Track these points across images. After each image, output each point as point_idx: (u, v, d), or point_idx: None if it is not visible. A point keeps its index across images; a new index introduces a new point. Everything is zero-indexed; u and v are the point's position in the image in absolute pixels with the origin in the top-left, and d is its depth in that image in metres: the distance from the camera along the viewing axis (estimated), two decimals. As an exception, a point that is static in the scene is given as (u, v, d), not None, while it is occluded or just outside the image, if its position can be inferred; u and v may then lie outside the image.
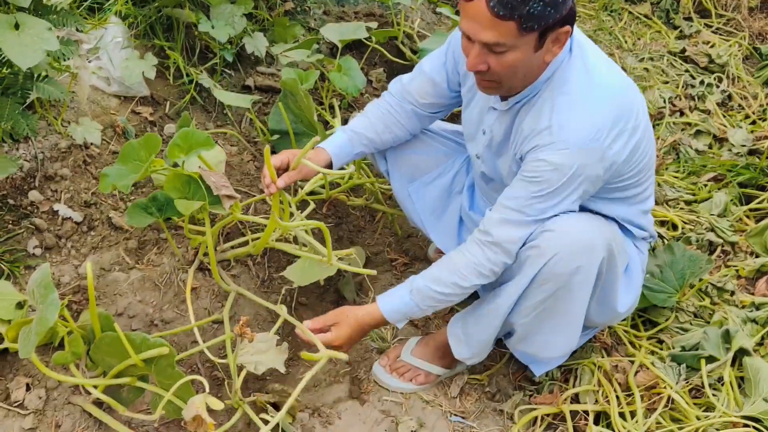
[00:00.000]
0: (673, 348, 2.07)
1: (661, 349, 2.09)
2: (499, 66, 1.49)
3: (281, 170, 1.80)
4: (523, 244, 1.64)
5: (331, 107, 2.58)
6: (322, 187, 2.21)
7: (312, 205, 2.09)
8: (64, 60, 1.93)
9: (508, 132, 1.69)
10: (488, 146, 1.76)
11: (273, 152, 2.39)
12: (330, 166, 1.87)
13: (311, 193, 2.20)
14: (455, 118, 2.81)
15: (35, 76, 1.83)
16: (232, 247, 2.01)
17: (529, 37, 1.44)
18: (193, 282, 1.87)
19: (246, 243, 1.99)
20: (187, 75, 2.39)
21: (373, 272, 1.92)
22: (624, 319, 2.14)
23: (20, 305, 1.59)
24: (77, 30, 1.86)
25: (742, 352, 1.99)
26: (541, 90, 1.60)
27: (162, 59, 2.36)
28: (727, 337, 2.00)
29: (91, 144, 2.07)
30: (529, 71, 1.55)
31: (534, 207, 1.58)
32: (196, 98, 2.39)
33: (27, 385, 1.63)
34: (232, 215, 1.81)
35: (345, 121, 2.60)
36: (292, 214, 1.90)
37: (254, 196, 2.22)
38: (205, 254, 1.91)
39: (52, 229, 1.91)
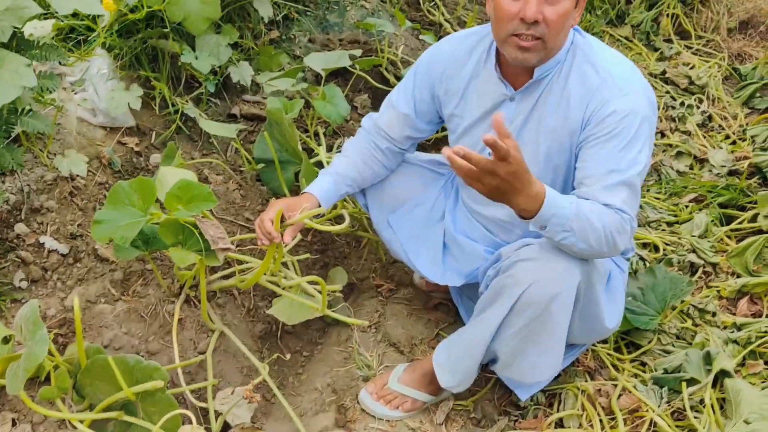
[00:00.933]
0: (656, 370, 2.09)
1: (644, 372, 2.11)
2: (555, 14, 1.54)
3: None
4: (497, 273, 1.67)
5: (316, 134, 2.61)
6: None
7: (298, 236, 2.11)
8: (49, 93, 1.95)
9: (531, 113, 1.71)
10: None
11: (258, 180, 2.44)
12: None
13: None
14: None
15: (19, 110, 1.85)
16: (222, 278, 2.02)
17: None
18: (179, 313, 1.88)
19: (233, 273, 2.01)
20: (173, 105, 2.41)
21: (365, 323, 1.95)
22: (606, 342, 2.17)
23: (6, 340, 1.59)
24: (60, 63, 1.89)
25: (723, 374, 2.01)
26: (565, 59, 1.67)
27: (147, 89, 2.38)
28: (708, 359, 2.03)
29: (77, 176, 2.09)
30: (566, 31, 1.62)
31: (625, 159, 1.57)
32: (182, 128, 2.41)
33: (13, 420, 1.63)
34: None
35: (330, 148, 2.64)
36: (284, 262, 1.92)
37: (239, 224, 2.24)
38: (191, 287, 1.93)
39: (38, 261, 1.92)
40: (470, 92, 1.81)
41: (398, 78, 2.98)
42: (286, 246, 1.77)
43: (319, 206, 1.87)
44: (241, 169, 2.45)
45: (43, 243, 1.95)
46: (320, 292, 1.88)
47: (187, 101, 2.46)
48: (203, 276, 1.78)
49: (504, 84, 1.73)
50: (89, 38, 2.37)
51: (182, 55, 2.37)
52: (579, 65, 1.65)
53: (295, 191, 2.39)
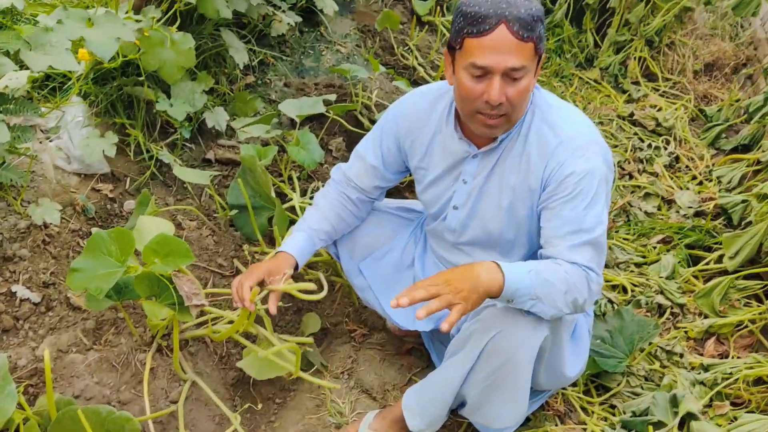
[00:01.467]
0: (625, 413, 2.12)
1: (614, 415, 2.14)
2: (516, 93, 1.56)
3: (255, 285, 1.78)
4: (467, 318, 1.69)
5: (290, 179, 2.64)
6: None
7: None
8: (23, 142, 1.97)
9: (493, 170, 1.75)
10: (469, 194, 1.80)
11: (231, 226, 2.46)
12: (296, 268, 1.88)
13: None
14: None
15: (-8, 162, 1.87)
16: (195, 326, 2.03)
17: (535, 60, 1.57)
18: (151, 362, 1.88)
19: (205, 322, 2.01)
20: (148, 151, 2.44)
21: (336, 386, 1.97)
22: (576, 385, 2.20)
23: (-26, 393, 1.59)
24: (35, 114, 1.91)
25: (689, 416, 2.04)
26: (524, 120, 1.69)
27: (123, 136, 2.41)
28: (674, 401, 2.06)
29: (51, 223, 2.10)
30: (528, 101, 1.65)
31: (587, 218, 1.61)
32: (156, 174, 2.44)
33: (-20, 474, 1.61)
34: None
35: (304, 192, 2.67)
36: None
37: (212, 270, 2.26)
38: (163, 337, 1.93)
39: (9, 310, 1.92)
40: (434, 147, 1.84)
41: (372, 122, 3.03)
42: (271, 315, 1.77)
43: (296, 266, 1.87)
44: (215, 214, 2.47)
45: (15, 292, 1.95)
46: (296, 347, 1.88)
47: (161, 147, 2.48)
48: (176, 329, 1.79)
49: (466, 143, 1.77)
50: (65, 86, 2.40)
51: (157, 102, 2.40)
52: (537, 126, 1.68)
53: (269, 236, 2.42)
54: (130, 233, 1.72)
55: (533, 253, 1.83)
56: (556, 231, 1.64)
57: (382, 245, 2.08)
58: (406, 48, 3.74)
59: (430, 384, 1.86)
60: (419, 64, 3.64)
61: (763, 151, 3.14)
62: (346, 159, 3.01)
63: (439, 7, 4.09)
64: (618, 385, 2.24)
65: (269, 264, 1.83)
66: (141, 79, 2.38)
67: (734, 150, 3.60)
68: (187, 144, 2.63)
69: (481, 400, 1.77)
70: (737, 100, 3.89)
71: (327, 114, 2.80)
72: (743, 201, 2.97)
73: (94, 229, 2.20)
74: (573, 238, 1.61)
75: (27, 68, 1.89)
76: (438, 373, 1.85)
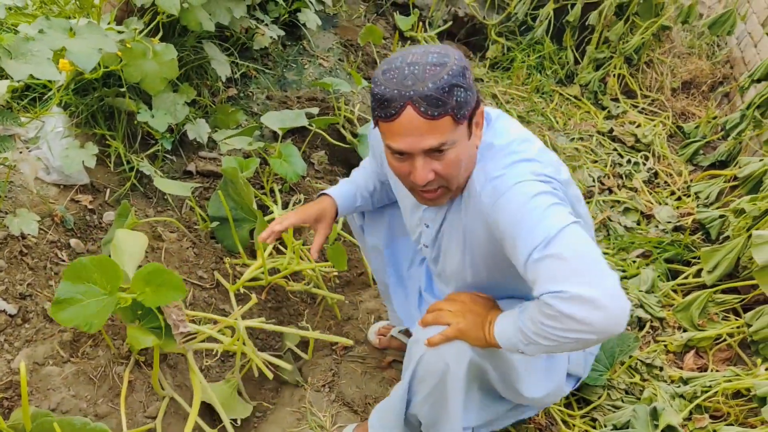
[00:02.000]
0: (605, 426, 2.13)
1: (594, 428, 2.15)
2: (445, 168, 1.43)
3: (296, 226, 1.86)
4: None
5: (272, 191, 2.63)
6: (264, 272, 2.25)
7: (254, 300, 2.10)
8: (2, 152, 1.95)
9: (445, 221, 1.66)
10: (434, 237, 1.72)
11: (212, 238, 2.45)
12: (335, 216, 1.88)
13: (251, 279, 2.23)
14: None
15: (-29, 171, 1.85)
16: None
17: (462, 127, 1.41)
18: (129, 376, 1.86)
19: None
20: (128, 162, 2.42)
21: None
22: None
23: (-53, 406, 1.56)
24: (14, 124, 1.89)
25: (669, 429, 2.05)
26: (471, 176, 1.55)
27: (103, 147, 2.39)
28: (655, 414, 2.07)
29: (29, 234, 2.07)
30: (468, 162, 1.49)
31: (536, 236, 1.35)
32: (137, 185, 2.42)
33: (-48, 489, 1.58)
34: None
35: (285, 205, 2.67)
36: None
37: (193, 282, 2.24)
38: (140, 352, 1.91)
39: (-16, 322, 1.89)
40: (398, 187, 1.75)
41: (355, 135, 3.04)
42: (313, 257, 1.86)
43: (337, 211, 1.87)
44: (196, 226, 2.46)
45: (-9, 303, 1.92)
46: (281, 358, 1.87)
47: (142, 158, 2.47)
48: (157, 349, 1.76)
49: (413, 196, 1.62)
50: (45, 96, 2.38)
51: (139, 113, 2.39)
52: (474, 180, 1.53)
53: (250, 248, 2.41)
54: (114, 262, 1.68)
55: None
56: (519, 263, 1.40)
57: (405, 234, 1.99)
58: (389, 63, 3.75)
59: (387, 402, 1.84)
60: (401, 79, 3.65)
61: (740, 167, 3.18)
62: (328, 172, 3.03)
63: (421, 23, 4.13)
64: (599, 398, 2.25)
65: (317, 211, 1.82)
66: (122, 90, 2.37)
67: (712, 166, 3.66)
68: (168, 155, 2.61)
69: (430, 420, 1.72)
70: (714, 118, 3.95)
71: (309, 127, 2.80)
72: (721, 216, 3.01)
73: (72, 241, 2.17)
74: (535, 266, 1.37)
75: (7, 77, 1.88)
76: (393, 391, 1.82)
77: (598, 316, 1.28)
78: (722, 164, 3.61)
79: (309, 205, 1.87)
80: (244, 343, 1.95)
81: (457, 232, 1.64)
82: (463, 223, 1.60)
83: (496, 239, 1.50)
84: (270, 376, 1.89)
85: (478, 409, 1.74)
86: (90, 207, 2.28)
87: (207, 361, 2.09)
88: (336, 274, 2.49)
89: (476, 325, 1.53)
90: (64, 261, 2.10)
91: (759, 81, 3.50)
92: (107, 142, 2.41)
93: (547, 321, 1.35)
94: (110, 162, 2.41)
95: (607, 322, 1.29)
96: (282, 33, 3.32)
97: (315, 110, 2.90)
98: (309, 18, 3.43)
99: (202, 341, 1.99)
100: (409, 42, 3.96)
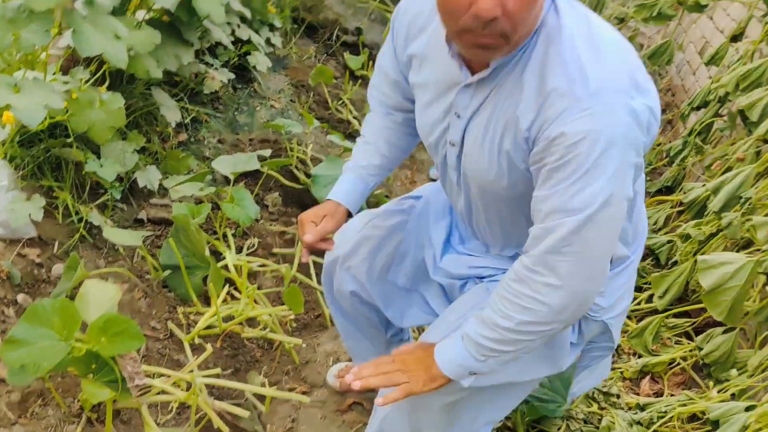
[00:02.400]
0: (566, 458, 2.14)
1: (555, 460, 2.16)
2: (518, 4, 1.14)
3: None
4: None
5: (225, 236, 2.62)
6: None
7: (209, 350, 2.08)
8: (-56, 210, 1.91)
9: (484, 103, 1.36)
10: (463, 129, 1.42)
11: (165, 287, 2.42)
12: (350, 215, 1.72)
13: (206, 327, 2.20)
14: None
15: None
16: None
17: None
18: (81, 434, 1.82)
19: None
20: (77, 213, 2.38)
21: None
22: (517, 433, 2.21)
23: None
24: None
25: (628, 458, 2.08)
26: (529, 44, 1.26)
27: (50, 198, 2.35)
28: (613, 444, 2.10)
29: (-27, 292, 2.02)
30: (536, 16, 1.21)
31: (576, 198, 1.20)
32: (86, 236, 2.38)
33: None
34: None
35: (239, 249, 2.65)
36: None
37: (145, 334, 2.20)
38: (92, 409, 1.87)
39: (-74, 387, 1.83)
40: (427, 65, 1.47)
41: (308, 176, 3.05)
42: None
43: (349, 214, 1.69)
44: (148, 275, 2.42)
45: (-66, 366, 1.86)
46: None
47: (91, 209, 2.43)
48: (110, 405, 1.73)
49: (458, 63, 1.34)
50: (-11, 149, 2.34)
51: (86, 163, 2.36)
52: (543, 56, 1.24)
53: (204, 296, 2.39)
54: (75, 307, 1.64)
55: None
56: (537, 205, 1.28)
57: (396, 252, 1.82)
58: (341, 102, 3.80)
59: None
60: (354, 117, 3.70)
61: (685, 193, 3.27)
62: (282, 214, 3.03)
63: (371, 62, 4.18)
64: (558, 429, 2.26)
65: (324, 210, 1.66)
66: (69, 140, 2.34)
67: (659, 192, 3.75)
68: (119, 204, 2.59)
69: None
70: (659, 144, 4.07)
71: (262, 170, 2.81)
72: (669, 241, 3.09)
73: (20, 296, 2.13)
74: (550, 219, 1.24)
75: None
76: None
77: (566, 298, 1.28)
78: (669, 190, 3.70)
79: (315, 209, 1.69)
80: (200, 396, 1.92)
81: (489, 116, 1.36)
82: (499, 103, 1.33)
83: (524, 132, 1.28)
84: (226, 430, 1.85)
85: (480, 412, 1.65)
86: (38, 261, 2.24)
87: (162, 417, 2.04)
88: (292, 317, 2.47)
89: (420, 370, 1.44)
90: (10, 318, 2.05)
91: (698, 108, 3.62)
92: (55, 193, 2.38)
93: (514, 284, 1.31)
94: (58, 214, 2.37)
95: (571, 303, 1.29)
96: (232, 76, 3.34)
97: (267, 152, 2.90)
98: (259, 60, 3.45)
99: (158, 393, 1.95)
100: (360, 81, 4.00)
